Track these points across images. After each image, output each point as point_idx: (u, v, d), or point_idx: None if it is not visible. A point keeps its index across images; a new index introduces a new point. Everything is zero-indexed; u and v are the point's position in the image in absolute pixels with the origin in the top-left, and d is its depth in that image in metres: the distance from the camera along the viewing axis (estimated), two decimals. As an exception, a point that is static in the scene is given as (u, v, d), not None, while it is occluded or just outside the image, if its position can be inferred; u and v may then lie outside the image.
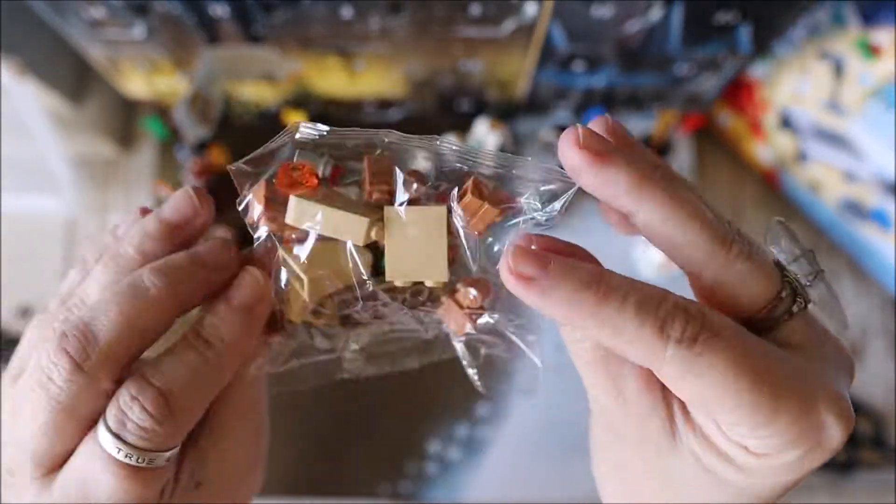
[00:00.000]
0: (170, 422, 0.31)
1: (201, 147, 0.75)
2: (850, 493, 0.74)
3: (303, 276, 0.32)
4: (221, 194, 0.38)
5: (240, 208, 0.33)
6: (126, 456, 0.30)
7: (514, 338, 0.36)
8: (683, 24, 0.56)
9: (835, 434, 0.27)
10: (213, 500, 0.36)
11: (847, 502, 0.74)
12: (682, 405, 0.30)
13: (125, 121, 0.78)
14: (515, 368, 0.73)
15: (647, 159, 0.29)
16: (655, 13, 0.54)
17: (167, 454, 0.32)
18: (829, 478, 0.75)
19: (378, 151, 0.31)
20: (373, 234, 0.31)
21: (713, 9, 0.54)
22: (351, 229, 0.30)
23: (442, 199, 0.31)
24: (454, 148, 0.30)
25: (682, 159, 0.77)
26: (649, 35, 0.58)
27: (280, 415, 0.71)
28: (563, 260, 0.28)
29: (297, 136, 0.30)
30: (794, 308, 0.29)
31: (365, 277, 0.31)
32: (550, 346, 0.74)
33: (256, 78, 0.66)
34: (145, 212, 0.37)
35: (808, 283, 0.30)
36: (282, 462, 0.70)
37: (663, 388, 0.30)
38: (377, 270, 0.32)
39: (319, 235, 0.31)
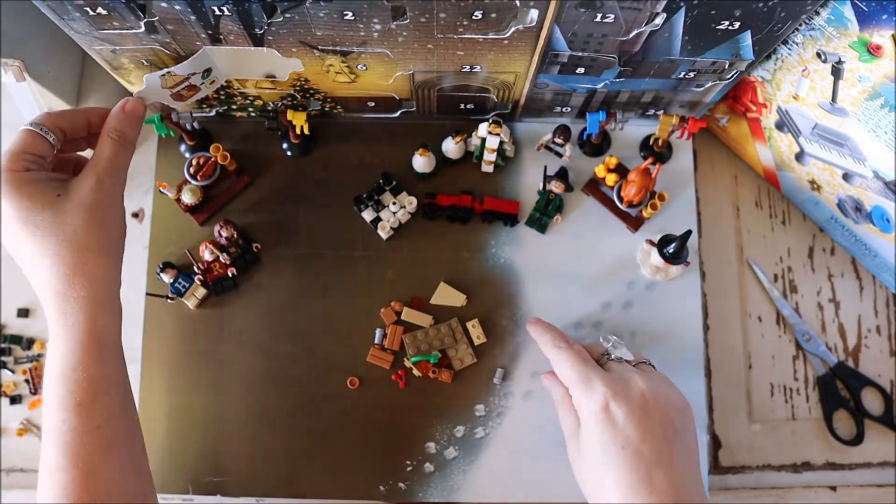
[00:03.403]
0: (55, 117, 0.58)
1: (200, 144, 0.75)
2: (850, 493, 0.74)
3: None
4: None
5: None
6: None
7: None
8: (686, 31, 0.56)
9: (599, 394, 0.57)
10: (71, 207, 0.55)
11: (847, 502, 0.74)
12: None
13: (125, 120, 0.78)
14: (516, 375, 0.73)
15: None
16: (658, 19, 0.54)
17: (51, 135, 0.57)
18: (829, 477, 0.75)
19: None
20: None
21: (715, 16, 0.54)
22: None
23: None
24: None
25: (683, 161, 0.77)
26: (652, 41, 0.58)
27: (281, 417, 0.72)
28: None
29: None
30: (605, 359, 0.62)
31: None
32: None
33: (258, 77, 0.66)
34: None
35: (609, 354, 0.63)
36: (283, 463, 0.70)
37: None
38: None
39: None
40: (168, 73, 0.60)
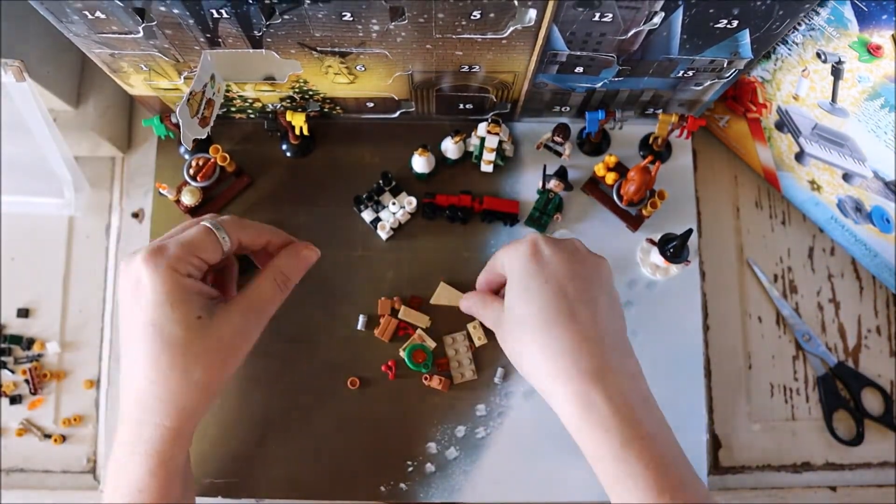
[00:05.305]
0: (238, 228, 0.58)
1: (200, 145, 0.75)
2: (850, 494, 0.74)
3: None
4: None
5: None
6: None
7: None
8: (684, 30, 0.56)
9: (526, 239, 0.56)
10: (205, 338, 0.53)
11: (847, 502, 0.74)
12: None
13: (125, 121, 0.79)
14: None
15: None
16: (657, 18, 0.54)
17: (227, 243, 0.56)
18: (829, 478, 0.75)
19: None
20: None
21: (714, 15, 0.54)
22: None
23: None
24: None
25: (683, 161, 0.77)
26: (650, 40, 0.58)
27: (281, 418, 0.72)
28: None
29: None
30: None
31: None
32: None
33: (257, 80, 0.66)
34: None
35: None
36: (283, 464, 0.70)
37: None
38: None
39: None
40: (191, 95, 0.60)
